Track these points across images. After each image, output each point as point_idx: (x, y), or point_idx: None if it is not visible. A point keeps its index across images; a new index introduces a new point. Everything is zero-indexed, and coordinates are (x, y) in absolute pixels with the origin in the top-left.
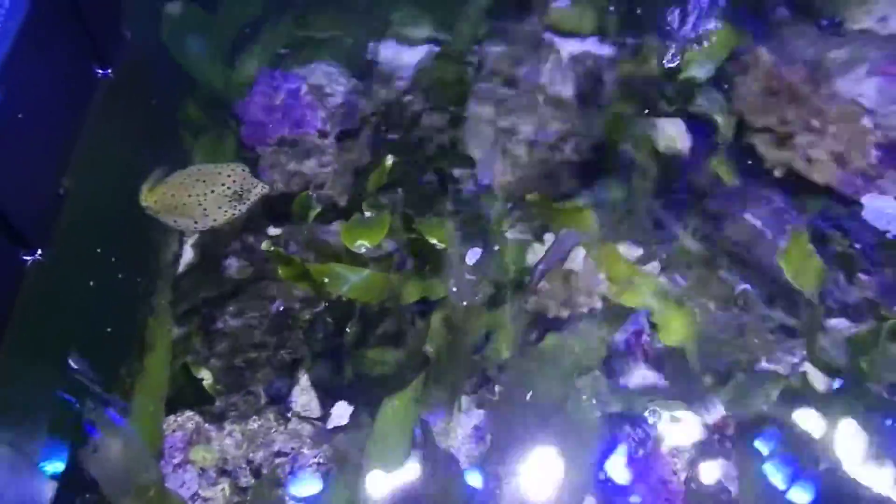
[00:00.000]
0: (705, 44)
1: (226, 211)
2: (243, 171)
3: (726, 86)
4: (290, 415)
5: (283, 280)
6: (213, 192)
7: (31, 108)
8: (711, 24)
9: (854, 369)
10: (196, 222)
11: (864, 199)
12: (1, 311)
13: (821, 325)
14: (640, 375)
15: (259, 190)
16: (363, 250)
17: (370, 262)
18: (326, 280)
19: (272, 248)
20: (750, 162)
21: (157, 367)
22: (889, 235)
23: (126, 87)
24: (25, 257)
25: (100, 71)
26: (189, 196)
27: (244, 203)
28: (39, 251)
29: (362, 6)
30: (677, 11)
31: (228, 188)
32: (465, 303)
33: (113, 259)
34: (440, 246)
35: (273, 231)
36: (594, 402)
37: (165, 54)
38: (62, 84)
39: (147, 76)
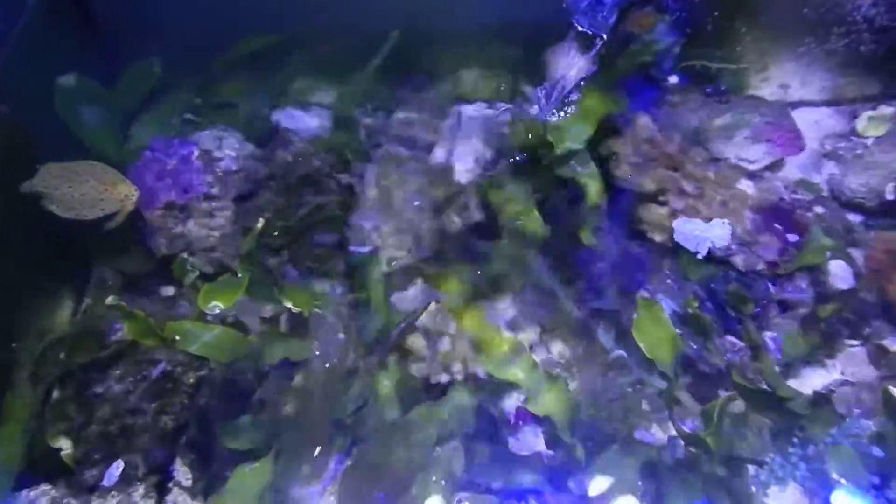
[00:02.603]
0: (574, 113)
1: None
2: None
3: (604, 152)
4: (170, 484)
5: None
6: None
7: None
8: (578, 95)
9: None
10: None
11: (675, 223)
12: None
13: (677, 396)
14: (529, 444)
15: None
16: (217, 311)
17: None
18: (178, 338)
19: (116, 304)
20: (631, 227)
21: (9, 441)
22: (699, 256)
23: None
24: None
25: None
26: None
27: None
28: None
29: (263, 75)
30: (542, 84)
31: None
32: (327, 364)
33: None
34: (295, 310)
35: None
36: (443, 482)
37: (58, 128)
38: None
39: (30, 150)
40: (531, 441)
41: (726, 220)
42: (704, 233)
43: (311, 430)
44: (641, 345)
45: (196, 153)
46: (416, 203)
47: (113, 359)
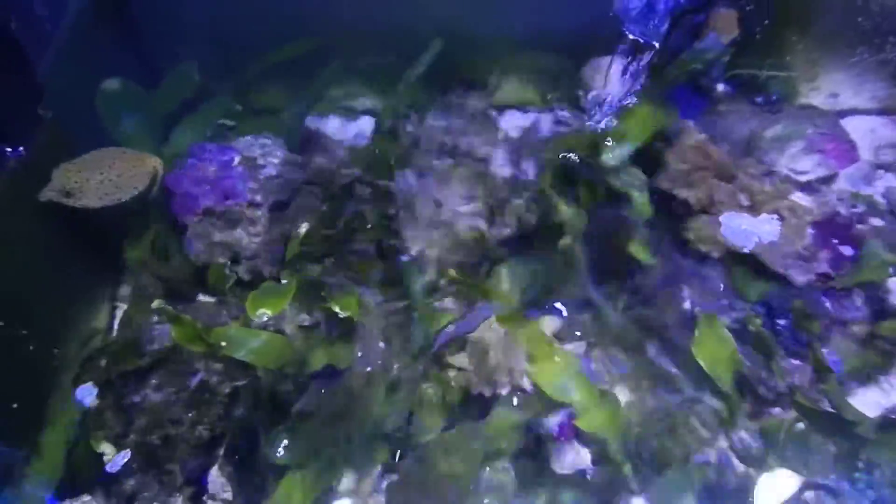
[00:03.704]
0: (625, 123)
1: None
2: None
3: (654, 162)
4: (205, 497)
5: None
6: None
7: None
8: (632, 104)
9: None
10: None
11: (722, 218)
12: None
13: (736, 416)
14: (571, 461)
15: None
16: (265, 318)
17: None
18: (224, 344)
19: (163, 307)
20: (680, 239)
21: (51, 448)
22: (747, 250)
23: (42, 164)
24: None
25: (9, 149)
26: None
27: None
28: None
29: (302, 81)
30: (593, 92)
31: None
32: (368, 368)
33: (23, 332)
34: (343, 314)
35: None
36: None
37: (98, 132)
38: None
39: (73, 154)
40: (574, 458)
41: (775, 216)
42: (752, 228)
43: (353, 441)
44: (702, 362)
45: (237, 159)
46: (459, 211)
47: (151, 368)
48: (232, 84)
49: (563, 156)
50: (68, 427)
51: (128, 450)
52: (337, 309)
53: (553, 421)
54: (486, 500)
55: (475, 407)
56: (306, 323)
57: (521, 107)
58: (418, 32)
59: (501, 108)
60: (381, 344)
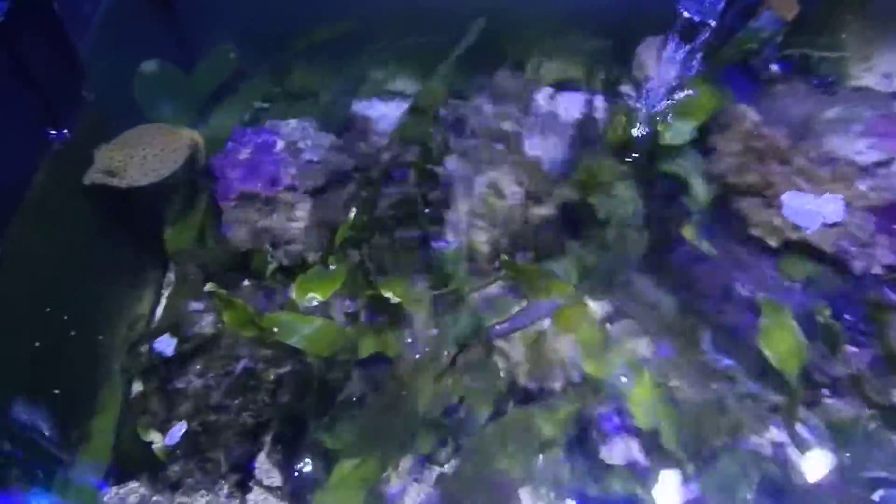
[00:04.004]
0: (683, 105)
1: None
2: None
3: (708, 146)
4: (251, 483)
5: (248, 336)
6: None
7: None
8: (691, 84)
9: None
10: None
11: (784, 197)
12: None
13: (798, 409)
14: (622, 451)
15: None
16: (314, 303)
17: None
18: (276, 329)
19: (216, 290)
20: (732, 224)
21: (100, 434)
22: (809, 231)
23: (85, 147)
24: None
25: (53, 132)
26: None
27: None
28: None
29: (340, 63)
30: (650, 73)
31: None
32: (417, 356)
33: (65, 318)
34: (395, 301)
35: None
36: (551, 494)
37: (134, 114)
38: (3, 148)
39: (110, 136)
40: (623, 448)
41: (840, 196)
42: (816, 207)
43: (402, 429)
44: (768, 352)
45: (278, 144)
46: (503, 195)
47: (194, 354)
48: (268, 67)
49: (612, 146)
50: (117, 414)
51: (184, 421)
52: (389, 295)
53: (602, 411)
54: (542, 489)
55: (524, 396)
56: (350, 310)
57: (566, 88)
58: (458, 12)
59: (547, 89)
60: (433, 331)
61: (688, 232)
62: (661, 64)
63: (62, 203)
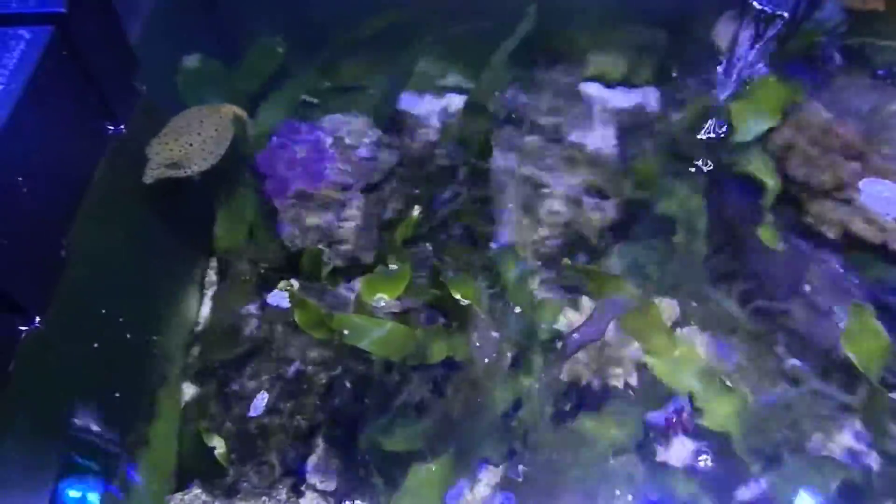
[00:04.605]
0: (752, 99)
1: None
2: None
3: (774, 142)
4: (303, 488)
5: (300, 337)
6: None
7: (32, 173)
8: (759, 77)
9: None
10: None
11: (862, 184)
12: None
13: (881, 411)
14: (679, 453)
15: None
16: (382, 304)
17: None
18: (346, 332)
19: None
20: (801, 224)
21: (162, 439)
22: (890, 218)
23: (140, 141)
24: (21, 327)
25: (111, 127)
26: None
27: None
28: (38, 319)
29: (389, 56)
30: (721, 65)
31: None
32: (486, 360)
33: (120, 319)
34: (465, 302)
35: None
36: (629, 497)
37: (178, 106)
38: (68, 144)
39: (157, 130)
40: (682, 451)
41: None
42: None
43: (477, 434)
44: (852, 355)
45: (327, 139)
46: (557, 193)
47: (248, 356)
48: (312, 61)
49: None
50: (177, 418)
51: (265, 392)
52: (458, 296)
53: (662, 414)
54: (617, 491)
55: (587, 396)
56: (395, 309)
57: (619, 81)
58: (508, 3)
59: (600, 82)
60: (495, 333)
61: (765, 233)
62: (732, 55)
63: (118, 200)
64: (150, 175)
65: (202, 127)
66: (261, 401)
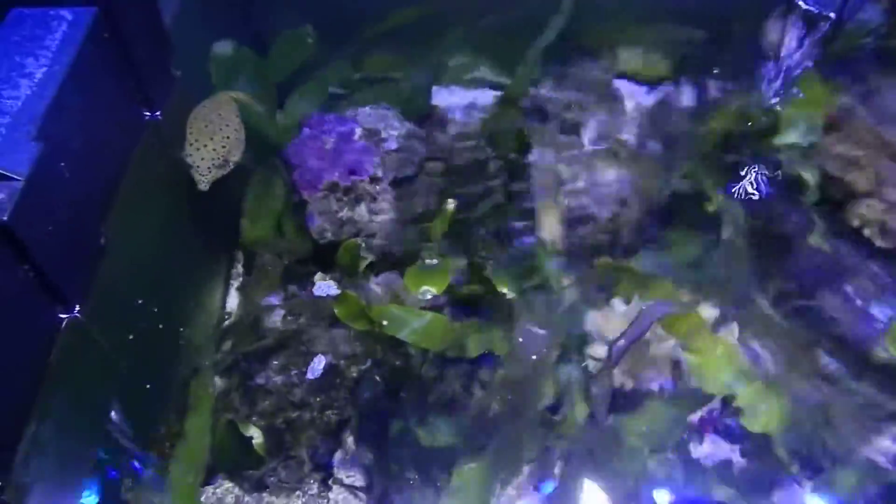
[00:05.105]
0: (796, 100)
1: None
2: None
3: (818, 143)
4: (330, 482)
5: (330, 331)
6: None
7: (74, 158)
8: (805, 79)
9: None
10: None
11: None
12: (35, 373)
13: None
14: (711, 451)
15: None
16: (429, 297)
17: None
18: (385, 323)
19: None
20: (843, 225)
21: (197, 432)
22: None
23: (173, 128)
24: (62, 315)
25: (147, 113)
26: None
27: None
28: (77, 307)
29: (419, 49)
30: (767, 65)
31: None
32: (534, 356)
33: (154, 310)
34: (510, 296)
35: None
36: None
37: (210, 93)
38: (107, 129)
39: None
40: (714, 451)
41: None
42: None
43: (508, 430)
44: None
45: (358, 132)
46: (589, 189)
47: (274, 349)
48: (343, 51)
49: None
50: (210, 411)
51: (321, 355)
52: (504, 290)
53: (700, 414)
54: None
55: (622, 396)
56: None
57: (655, 79)
58: None
59: (631, 80)
60: (541, 330)
61: (814, 237)
62: (779, 56)
63: (152, 189)
64: (205, 181)
65: (223, 119)
66: (318, 363)
